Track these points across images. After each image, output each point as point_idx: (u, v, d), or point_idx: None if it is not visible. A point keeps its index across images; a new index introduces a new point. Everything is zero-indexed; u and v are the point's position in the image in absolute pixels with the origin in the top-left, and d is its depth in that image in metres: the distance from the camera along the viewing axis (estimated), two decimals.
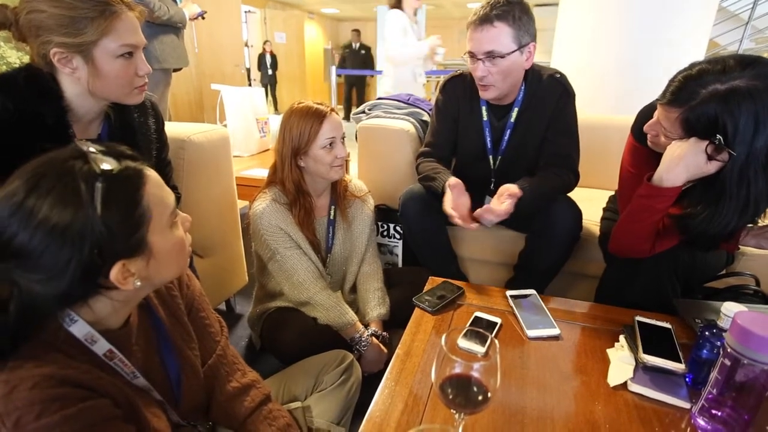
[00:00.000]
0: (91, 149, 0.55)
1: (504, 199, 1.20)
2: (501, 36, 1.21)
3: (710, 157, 0.87)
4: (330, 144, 1.23)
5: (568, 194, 1.38)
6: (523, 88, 1.37)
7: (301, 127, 1.21)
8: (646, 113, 1.08)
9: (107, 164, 0.54)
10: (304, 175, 1.28)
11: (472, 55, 1.27)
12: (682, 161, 0.90)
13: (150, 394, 0.65)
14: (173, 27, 2.54)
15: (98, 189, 0.52)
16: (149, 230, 0.57)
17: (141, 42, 0.93)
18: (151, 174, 0.59)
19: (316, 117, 1.21)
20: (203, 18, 2.81)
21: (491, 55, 1.23)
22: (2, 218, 0.50)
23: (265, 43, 8.64)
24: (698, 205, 0.92)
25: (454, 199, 1.25)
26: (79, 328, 0.56)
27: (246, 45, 8.48)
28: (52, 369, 0.51)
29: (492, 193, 1.49)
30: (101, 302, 0.58)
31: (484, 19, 1.20)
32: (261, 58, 8.62)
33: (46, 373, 0.50)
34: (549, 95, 1.36)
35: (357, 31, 8.47)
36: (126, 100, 0.97)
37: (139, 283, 0.57)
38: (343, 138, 1.27)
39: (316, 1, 9.46)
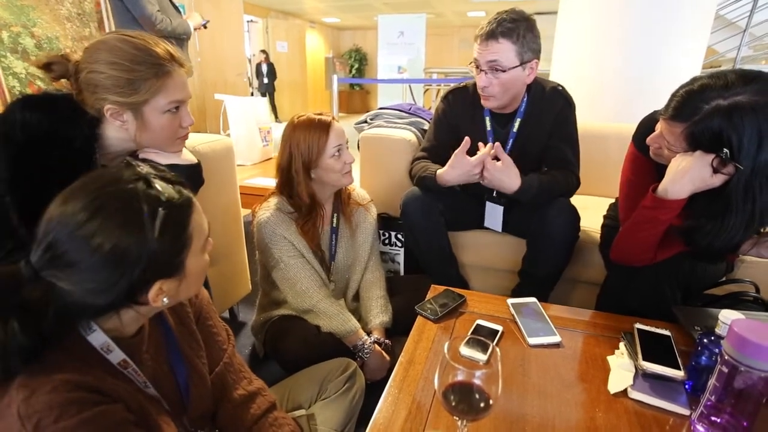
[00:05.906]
0: (150, 171, 0.58)
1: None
2: (504, 52, 1.27)
3: (716, 170, 0.87)
4: (338, 152, 1.26)
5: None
6: (525, 99, 1.42)
7: (309, 140, 1.23)
8: (647, 123, 1.09)
9: (166, 190, 0.56)
10: (314, 185, 1.31)
11: (477, 65, 1.33)
12: (688, 174, 0.90)
13: (160, 402, 0.66)
14: (177, 38, 2.57)
15: (160, 215, 0.54)
16: (188, 254, 0.60)
17: (188, 96, 0.95)
18: (197, 202, 0.62)
19: (322, 128, 1.24)
20: (205, 27, 2.85)
21: (493, 67, 1.29)
22: (62, 236, 0.51)
23: (261, 51, 8.66)
24: (702, 217, 0.92)
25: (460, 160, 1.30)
26: (97, 338, 0.58)
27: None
28: (71, 374, 0.53)
29: (493, 199, 1.52)
30: (129, 314, 0.60)
31: (490, 35, 1.27)
32: (258, 67, 8.66)
33: (64, 378, 0.52)
34: (551, 106, 1.42)
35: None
36: (167, 149, 0.99)
37: (166, 300, 0.60)
38: (347, 143, 1.30)
39: (318, 11, 9.55)
